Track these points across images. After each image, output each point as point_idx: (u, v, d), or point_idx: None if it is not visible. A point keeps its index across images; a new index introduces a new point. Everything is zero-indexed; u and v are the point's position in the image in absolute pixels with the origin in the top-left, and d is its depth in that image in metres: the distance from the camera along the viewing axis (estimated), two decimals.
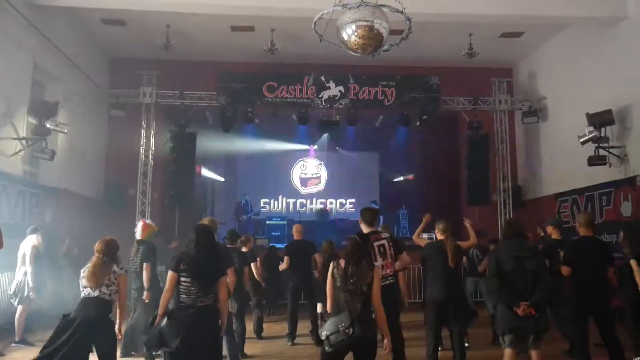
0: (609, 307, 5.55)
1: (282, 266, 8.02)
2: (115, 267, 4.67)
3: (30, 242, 7.41)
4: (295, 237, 8.10)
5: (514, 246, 4.84)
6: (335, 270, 3.98)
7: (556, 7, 9.68)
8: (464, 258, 7.22)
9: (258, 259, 7.85)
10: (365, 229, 5.19)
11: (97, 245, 4.74)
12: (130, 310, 6.42)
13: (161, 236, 8.63)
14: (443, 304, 5.43)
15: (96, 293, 4.53)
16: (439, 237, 5.77)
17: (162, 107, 12.48)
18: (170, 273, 4.22)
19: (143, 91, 12.09)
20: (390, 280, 5.05)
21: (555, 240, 6.82)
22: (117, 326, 4.69)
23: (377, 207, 14.04)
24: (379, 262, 4.93)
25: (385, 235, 5.21)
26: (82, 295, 4.60)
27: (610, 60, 10.17)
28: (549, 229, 7.15)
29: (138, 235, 6.56)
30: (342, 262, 3.99)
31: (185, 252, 4.33)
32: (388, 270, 5.00)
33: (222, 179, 16.30)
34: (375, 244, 5.00)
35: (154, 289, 6.12)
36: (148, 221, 6.95)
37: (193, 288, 4.16)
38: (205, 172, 15.05)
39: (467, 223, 6.81)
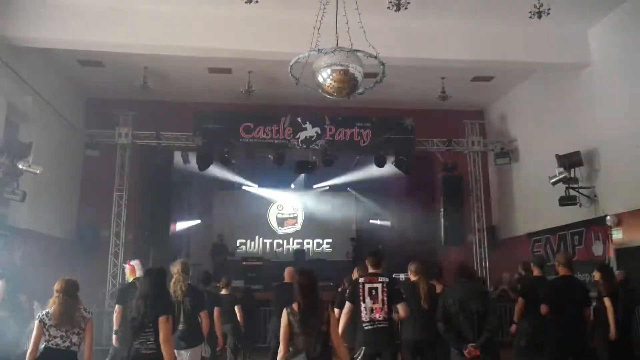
0: (588, 347, 5.54)
1: None
2: (83, 312, 4.35)
3: None
4: (286, 279, 7.71)
5: (460, 288, 4.86)
6: (290, 317, 3.88)
7: (523, 53, 10.01)
8: None
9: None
10: (370, 269, 5.18)
11: (57, 285, 4.39)
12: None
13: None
14: (418, 345, 5.38)
15: (66, 344, 4.15)
16: (412, 278, 5.77)
17: (138, 148, 12.41)
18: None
19: (119, 132, 12.00)
20: (380, 325, 4.86)
21: (537, 278, 6.62)
22: None
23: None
24: (367, 303, 4.86)
25: (383, 279, 5.02)
26: (48, 345, 4.14)
27: (576, 104, 10.53)
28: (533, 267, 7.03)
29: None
30: (295, 307, 3.90)
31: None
32: (377, 315, 4.86)
33: (199, 221, 16.13)
34: (367, 285, 4.94)
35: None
36: (133, 262, 6.72)
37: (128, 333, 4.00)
38: (181, 225, 14.86)
39: None
